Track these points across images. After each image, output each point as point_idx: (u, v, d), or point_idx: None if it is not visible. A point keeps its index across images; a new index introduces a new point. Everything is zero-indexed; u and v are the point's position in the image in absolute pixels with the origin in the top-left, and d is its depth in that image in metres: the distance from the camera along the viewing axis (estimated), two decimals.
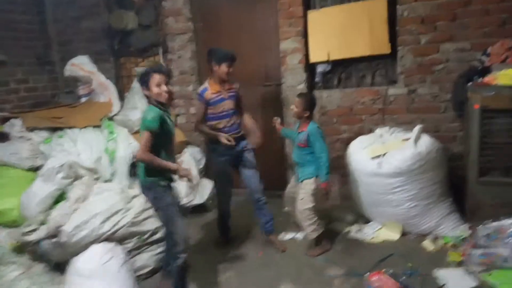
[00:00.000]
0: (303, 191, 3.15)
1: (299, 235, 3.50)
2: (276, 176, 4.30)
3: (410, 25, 3.67)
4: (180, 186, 3.72)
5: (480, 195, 2.99)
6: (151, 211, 3.12)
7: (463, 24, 3.50)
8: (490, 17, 3.41)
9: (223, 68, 3.14)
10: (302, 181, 3.18)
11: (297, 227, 3.52)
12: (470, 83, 3.14)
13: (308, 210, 3.12)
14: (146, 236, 3.04)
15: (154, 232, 3.08)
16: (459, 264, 2.79)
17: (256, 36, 4.30)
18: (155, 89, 2.50)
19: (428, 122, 3.68)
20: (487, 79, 3.01)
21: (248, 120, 3.39)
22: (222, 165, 3.31)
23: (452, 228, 3.16)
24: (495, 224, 2.74)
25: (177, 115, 4.72)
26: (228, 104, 3.23)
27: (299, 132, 3.19)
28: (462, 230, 3.06)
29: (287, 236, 3.54)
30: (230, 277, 3.00)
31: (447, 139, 3.66)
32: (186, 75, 4.61)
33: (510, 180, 2.87)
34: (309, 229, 3.15)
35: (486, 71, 3.18)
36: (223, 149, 3.18)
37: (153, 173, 2.54)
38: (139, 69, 4.48)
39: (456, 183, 3.32)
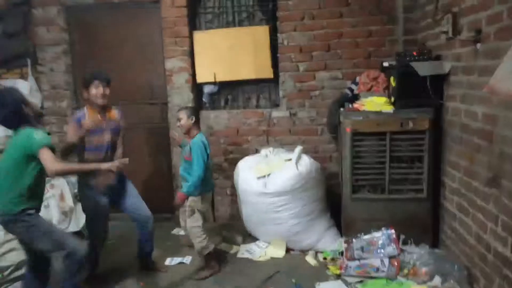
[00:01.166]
0: (189, 209, 3.09)
1: (187, 260, 3.39)
2: (163, 198, 4.13)
3: (290, 53, 3.93)
4: (53, 212, 3.34)
5: (353, 210, 3.27)
6: (14, 243, 2.72)
7: (336, 55, 3.87)
8: (359, 49, 3.83)
9: (93, 90, 2.85)
10: (187, 198, 3.11)
11: (186, 251, 3.42)
12: (342, 109, 3.45)
13: (197, 228, 3.07)
14: (7, 272, 2.63)
15: (17, 267, 2.68)
16: (338, 276, 2.98)
17: (140, 51, 4.15)
18: None
19: (308, 143, 3.94)
20: (356, 105, 3.36)
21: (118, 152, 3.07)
22: (96, 203, 2.94)
23: (330, 242, 3.38)
24: (367, 237, 3.02)
25: (49, 134, 4.25)
26: (106, 137, 2.92)
27: (186, 145, 3.16)
28: (339, 244, 3.28)
29: (174, 260, 3.39)
30: None
31: (325, 159, 3.96)
32: (60, 89, 4.22)
33: (377, 196, 3.20)
34: (199, 246, 3.09)
35: (355, 98, 3.54)
36: (102, 187, 2.90)
37: (21, 203, 2.28)
38: (4, 82, 3.95)
39: (334, 200, 3.58)
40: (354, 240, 3.03)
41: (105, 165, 2.62)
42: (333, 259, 3.19)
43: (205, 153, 3.07)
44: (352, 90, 3.68)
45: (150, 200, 3.27)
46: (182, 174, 3.22)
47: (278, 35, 3.92)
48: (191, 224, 3.08)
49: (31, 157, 2.28)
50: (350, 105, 3.43)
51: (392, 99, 3.19)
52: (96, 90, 2.85)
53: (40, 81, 4.17)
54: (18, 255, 2.70)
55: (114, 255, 3.48)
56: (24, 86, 3.89)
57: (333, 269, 3.05)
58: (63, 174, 2.25)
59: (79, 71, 4.13)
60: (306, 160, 3.45)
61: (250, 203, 3.47)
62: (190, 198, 3.06)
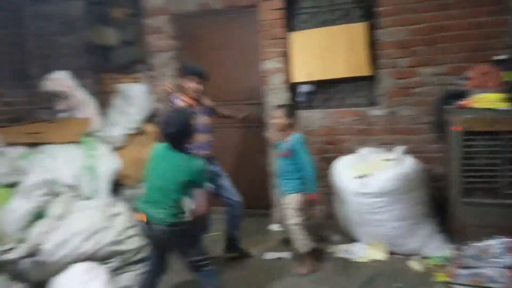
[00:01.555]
0: (289, 207, 3.17)
1: (285, 255, 3.47)
2: (259, 195, 4.29)
3: (390, 49, 3.80)
4: None
5: (463, 216, 3.04)
6: (135, 229, 3.04)
7: (439, 49, 3.65)
8: (466, 43, 3.58)
9: (188, 83, 3.12)
10: (286, 195, 3.19)
11: (283, 247, 3.51)
12: (448, 106, 3.26)
13: (297, 225, 3.12)
14: (130, 255, 2.94)
15: (138, 251, 2.99)
16: (446, 284, 2.82)
17: (238, 54, 4.34)
18: None
19: (410, 143, 3.77)
20: (466, 102, 3.14)
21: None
22: None
23: (437, 248, 3.20)
24: (480, 244, 2.80)
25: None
26: (202, 119, 3.14)
27: (282, 142, 3.22)
28: (447, 250, 3.10)
29: (273, 255, 3.49)
30: None
31: (429, 160, 3.75)
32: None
33: (493, 201, 2.94)
34: (300, 244, 3.14)
35: (463, 94, 3.31)
36: None
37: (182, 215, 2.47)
38: (121, 85, 4.42)
39: (440, 203, 3.39)
40: (465, 247, 2.84)
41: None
42: (439, 266, 3.02)
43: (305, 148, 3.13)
44: (460, 86, 3.45)
45: (246, 196, 3.46)
46: (278, 171, 3.32)
47: (376, 31, 3.82)
48: (292, 221, 3.14)
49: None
50: (458, 102, 3.22)
51: (508, 95, 2.93)
52: (191, 84, 3.12)
53: (152, 85, 4.57)
54: (139, 240, 3.01)
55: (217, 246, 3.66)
56: (139, 90, 4.28)
57: (439, 276, 2.89)
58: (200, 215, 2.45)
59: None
60: (408, 160, 3.32)
61: (347, 203, 3.44)
62: (293, 196, 3.12)
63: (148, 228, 2.44)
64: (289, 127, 3.21)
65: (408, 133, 3.83)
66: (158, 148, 2.55)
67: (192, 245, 2.51)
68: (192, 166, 2.41)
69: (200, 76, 3.18)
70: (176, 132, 2.41)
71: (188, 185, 2.40)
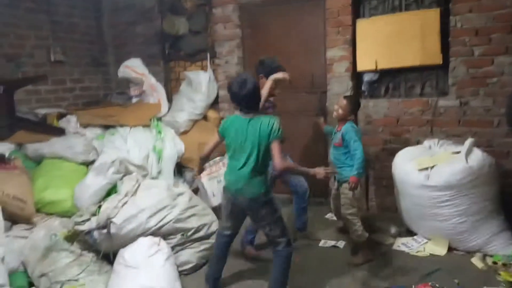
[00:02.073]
0: (343, 196, 3.16)
1: (340, 244, 3.46)
2: (318, 183, 4.26)
3: (464, 36, 3.59)
4: None
5: None
6: (195, 209, 3.20)
7: None
8: None
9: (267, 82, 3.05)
10: (341, 184, 3.19)
11: (338, 236, 3.50)
12: None
13: (351, 215, 3.11)
14: (190, 233, 3.11)
15: (197, 230, 3.14)
16: (511, 285, 2.67)
17: (303, 43, 4.33)
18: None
19: (480, 136, 3.56)
20: None
21: None
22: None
23: (503, 246, 3.03)
24: None
25: (222, 119, 4.81)
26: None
27: (336, 132, 3.23)
28: None
29: (328, 243, 3.50)
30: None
31: (500, 154, 3.52)
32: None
33: None
34: (355, 234, 3.13)
35: None
36: None
37: (269, 186, 2.58)
38: (188, 73, 4.61)
39: (509, 200, 3.18)
40: None
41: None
42: (505, 265, 2.85)
43: (359, 136, 3.10)
44: None
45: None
46: (333, 160, 3.31)
47: (451, 17, 3.61)
48: (347, 211, 3.13)
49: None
50: None
51: None
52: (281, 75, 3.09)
53: (217, 73, 4.71)
54: (198, 220, 3.17)
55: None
56: (205, 77, 4.44)
57: (504, 275, 2.74)
58: (284, 171, 2.49)
59: (249, 63, 4.54)
60: (478, 154, 3.14)
61: (409, 196, 3.33)
62: (347, 185, 3.10)
63: (234, 199, 2.56)
64: (347, 118, 3.18)
65: (479, 126, 3.61)
66: (234, 120, 2.60)
67: (275, 217, 2.54)
68: (268, 124, 2.44)
69: (282, 70, 3.15)
70: (249, 92, 2.46)
71: (269, 145, 2.44)
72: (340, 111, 3.19)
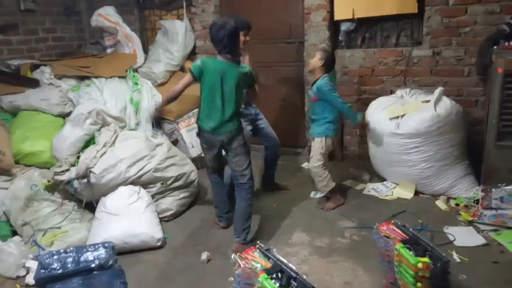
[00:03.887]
0: (313, 149, 3.27)
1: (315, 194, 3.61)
2: (295, 134, 4.39)
3: None
4: None
5: (496, 159, 3.01)
6: (174, 159, 3.28)
7: None
8: None
9: (241, 37, 3.00)
10: (313, 138, 3.29)
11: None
12: (496, 47, 3.10)
13: (318, 168, 3.23)
14: (169, 182, 3.20)
15: (176, 179, 3.24)
16: (469, 223, 2.89)
17: None
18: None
19: (450, 85, 3.67)
20: None
21: None
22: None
23: (466, 190, 3.22)
24: (509, 187, 2.80)
25: None
26: None
27: (312, 85, 3.25)
28: (475, 192, 3.11)
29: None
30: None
31: (469, 103, 3.65)
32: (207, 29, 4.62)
33: None
34: (320, 185, 3.28)
35: None
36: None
37: (239, 120, 2.78)
38: (164, 22, 4.50)
39: (474, 147, 3.35)
40: (493, 189, 2.83)
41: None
42: (466, 206, 3.07)
43: (335, 90, 3.17)
44: (511, 26, 3.25)
45: (282, 135, 3.58)
46: (310, 115, 3.37)
47: None
48: (313, 164, 3.25)
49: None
50: (507, 43, 3.05)
51: None
52: (242, 37, 3.04)
53: (193, 22, 4.62)
54: (177, 169, 3.26)
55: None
56: (181, 27, 4.35)
57: (465, 216, 2.95)
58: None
59: (226, 12, 4.45)
60: (446, 102, 3.25)
61: (380, 143, 3.46)
62: (317, 140, 3.20)
63: (212, 137, 2.73)
64: (320, 71, 3.18)
65: (451, 75, 3.71)
66: (213, 63, 2.68)
67: (244, 149, 2.77)
68: (242, 71, 2.66)
69: (249, 28, 3.14)
70: (228, 35, 2.56)
71: (242, 89, 2.72)
72: (311, 59, 3.24)
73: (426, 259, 1.93)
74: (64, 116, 3.71)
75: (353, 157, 4.26)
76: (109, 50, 4.58)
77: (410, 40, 3.92)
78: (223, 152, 2.92)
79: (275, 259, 1.96)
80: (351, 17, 3.96)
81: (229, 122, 2.68)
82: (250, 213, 2.82)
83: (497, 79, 2.88)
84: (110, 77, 3.97)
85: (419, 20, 3.80)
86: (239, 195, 2.83)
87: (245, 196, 2.80)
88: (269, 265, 1.92)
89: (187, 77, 2.75)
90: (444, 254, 2.03)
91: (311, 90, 3.28)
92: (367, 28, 4.06)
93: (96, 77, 3.93)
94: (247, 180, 2.79)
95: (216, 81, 2.62)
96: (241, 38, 3.02)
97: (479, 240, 2.69)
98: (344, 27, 4.11)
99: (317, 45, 4.09)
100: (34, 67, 4.07)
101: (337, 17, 4.03)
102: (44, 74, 3.92)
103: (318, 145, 3.22)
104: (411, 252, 2.00)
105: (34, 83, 3.86)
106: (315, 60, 3.17)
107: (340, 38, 4.17)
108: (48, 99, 3.68)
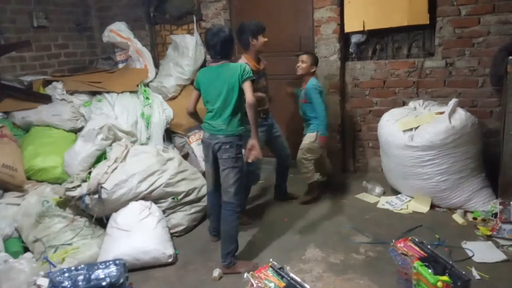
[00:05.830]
0: (304, 142, 3.52)
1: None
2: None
3: None
4: None
5: None
6: (185, 174, 3.26)
7: None
8: None
9: (261, 39, 3.13)
10: (307, 133, 3.54)
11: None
12: (510, 57, 3.04)
13: (305, 160, 3.50)
14: (180, 196, 3.18)
15: (187, 194, 3.22)
16: (488, 238, 2.80)
17: (290, 4, 4.26)
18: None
19: (464, 96, 3.61)
20: None
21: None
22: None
23: (483, 203, 3.14)
24: None
25: None
26: (263, 82, 3.31)
27: (302, 89, 3.49)
28: (493, 205, 3.03)
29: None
30: (259, 239, 3.11)
31: (484, 114, 3.59)
32: None
33: None
34: (303, 175, 3.58)
35: None
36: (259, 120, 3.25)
37: (241, 126, 2.68)
38: (174, 37, 4.53)
39: (490, 159, 3.28)
40: (511, 202, 2.76)
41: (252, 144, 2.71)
42: (484, 220, 2.98)
43: (321, 95, 3.40)
44: None
45: (292, 147, 3.61)
46: (301, 115, 3.61)
47: None
48: (301, 155, 3.50)
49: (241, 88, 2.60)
50: None
51: None
52: (264, 39, 3.15)
53: (203, 37, 4.60)
54: (188, 184, 3.24)
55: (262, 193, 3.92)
56: (191, 41, 4.37)
57: (483, 230, 2.87)
58: (255, 106, 2.58)
59: (236, 26, 4.45)
60: (461, 114, 3.19)
61: (393, 156, 3.41)
62: (308, 135, 3.48)
63: (209, 143, 2.68)
64: (310, 74, 3.44)
65: (464, 86, 3.65)
66: (205, 71, 2.76)
67: (235, 164, 2.63)
68: (239, 67, 2.59)
69: (264, 31, 3.18)
70: (221, 40, 2.58)
71: (240, 88, 2.59)
72: (303, 65, 3.42)
73: (446, 278, 1.86)
74: (76, 131, 3.73)
75: (365, 170, 4.21)
76: (120, 65, 4.61)
77: (422, 51, 3.88)
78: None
79: (288, 278, 1.91)
80: (361, 29, 3.94)
81: (225, 124, 2.61)
82: (234, 235, 2.70)
83: None
84: (122, 92, 3.98)
85: (430, 31, 3.77)
86: (222, 215, 2.71)
87: (227, 217, 2.67)
88: (282, 284, 1.88)
89: (194, 92, 2.83)
90: (464, 272, 1.96)
91: (300, 92, 3.52)
92: (378, 40, 4.03)
93: (108, 92, 3.95)
94: (230, 199, 2.66)
95: (210, 87, 2.65)
96: (262, 39, 3.14)
97: (499, 255, 2.60)
98: (354, 39, 4.09)
99: (327, 58, 4.07)
100: (47, 83, 4.11)
101: (347, 29, 4.02)
102: (56, 89, 3.96)
103: (309, 139, 3.47)
104: (430, 271, 1.94)
105: (47, 99, 3.89)
106: (307, 66, 3.41)
107: (350, 50, 4.15)
108: (60, 115, 3.71)
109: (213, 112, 2.66)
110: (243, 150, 2.72)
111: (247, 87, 2.56)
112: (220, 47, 2.60)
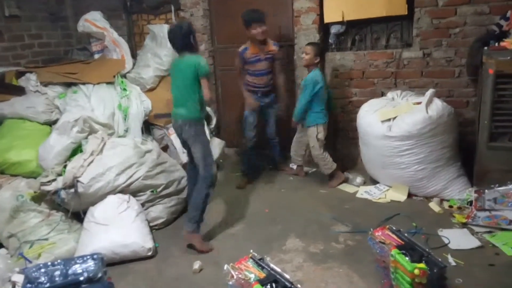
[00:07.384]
0: (310, 139, 3.66)
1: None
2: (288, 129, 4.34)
3: None
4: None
5: (488, 160, 3.01)
6: (164, 166, 3.23)
7: None
8: None
9: (253, 31, 3.49)
10: (308, 127, 3.67)
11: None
12: (486, 48, 3.09)
13: (320, 154, 3.64)
14: (159, 189, 3.14)
15: (166, 186, 3.18)
16: (463, 225, 2.87)
17: None
18: None
19: (441, 87, 3.66)
20: (504, 43, 2.97)
21: (279, 80, 3.88)
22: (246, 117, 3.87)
23: (459, 191, 3.21)
24: (502, 188, 2.79)
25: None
26: (263, 65, 3.67)
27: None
28: (468, 193, 3.10)
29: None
30: (240, 230, 3.11)
31: (460, 104, 3.65)
32: (198, 33, 4.56)
33: None
34: (325, 168, 3.69)
35: (503, 35, 3.12)
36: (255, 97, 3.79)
37: (199, 111, 2.90)
38: (152, 26, 4.45)
39: (466, 148, 3.35)
40: (486, 190, 2.83)
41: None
42: (459, 208, 3.05)
43: (314, 89, 3.50)
44: (500, 27, 3.24)
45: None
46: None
47: None
48: (315, 152, 3.66)
49: (197, 79, 2.80)
50: (497, 44, 3.05)
51: None
52: (256, 30, 3.50)
53: None
54: (167, 176, 3.20)
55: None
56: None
57: (459, 218, 2.93)
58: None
59: (215, 15, 4.41)
60: (438, 104, 3.24)
61: (372, 146, 3.45)
62: (312, 129, 3.57)
63: (176, 125, 2.93)
64: (314, 66, 3.51)
65: (441, 76, 3.69)
66: (173, 62, 3.05)
67: (197, 140, 2.86)
68: (194, 60, 2.78)
69: (259, 20, 3.47)
70: (178, 36, 2.82)
71: (197, 78, 2.78)
72: (307, 56, 3.49)
73: (422, 265, 1.90)
74: (51, 123, 3.62)
75: (345, 160, 4.24)
76: (96, 56, 4.50)
77: (400, 42, 3.90)
78: None
79: (269, 269, 1.92)
80: (340, 19, 3.94)
81: (183, 108, 2.83)
82: (202, 205, 2.86)
83: (489, 80, 2.88)
84: (98, 83, 3.88)
85: (408, 21, 3.79)
86: (196, 186, 2.91)
87: (198, 188, 2.87)
88: (263, 275, 1.88)
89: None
90: (440, 260, 2.00)
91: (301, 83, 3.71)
92: (357, 31, 4.04)
93: (83, 83, 3.85)
94: (202, 171, 2.85)
95: (175, 76, 2.92)
96: (258, 30, 3.50)
97: (473, 242, 2.67)
98: (334, 29, 4.09)
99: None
100: (20, 74, 3.98)
101: (327, 19, 4.02)
102: (30, 81, 3.84)
103: (313, 133, 3.62)
104: (407, 258, 1.97)
105: (20, 91, 3.77)
106: (311, 57, 3.49)
107: (330, 40, 4.14)
108: (34, 107, 3.59)
109: (175, 98, 2.91)
110: (206, 127, 3.07)
111: (203, 83, 2.79)
112: (178, 42, 2.84)
